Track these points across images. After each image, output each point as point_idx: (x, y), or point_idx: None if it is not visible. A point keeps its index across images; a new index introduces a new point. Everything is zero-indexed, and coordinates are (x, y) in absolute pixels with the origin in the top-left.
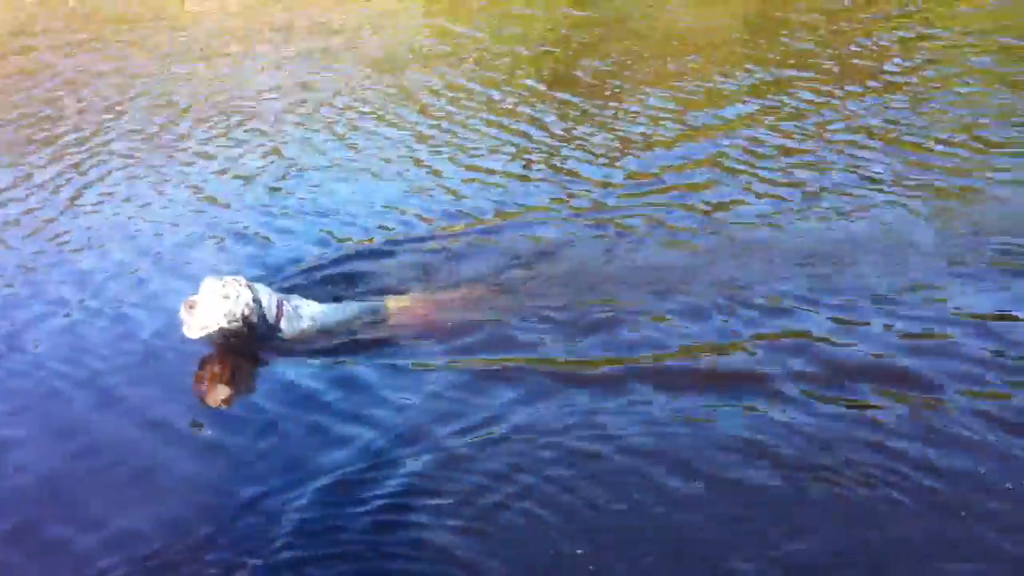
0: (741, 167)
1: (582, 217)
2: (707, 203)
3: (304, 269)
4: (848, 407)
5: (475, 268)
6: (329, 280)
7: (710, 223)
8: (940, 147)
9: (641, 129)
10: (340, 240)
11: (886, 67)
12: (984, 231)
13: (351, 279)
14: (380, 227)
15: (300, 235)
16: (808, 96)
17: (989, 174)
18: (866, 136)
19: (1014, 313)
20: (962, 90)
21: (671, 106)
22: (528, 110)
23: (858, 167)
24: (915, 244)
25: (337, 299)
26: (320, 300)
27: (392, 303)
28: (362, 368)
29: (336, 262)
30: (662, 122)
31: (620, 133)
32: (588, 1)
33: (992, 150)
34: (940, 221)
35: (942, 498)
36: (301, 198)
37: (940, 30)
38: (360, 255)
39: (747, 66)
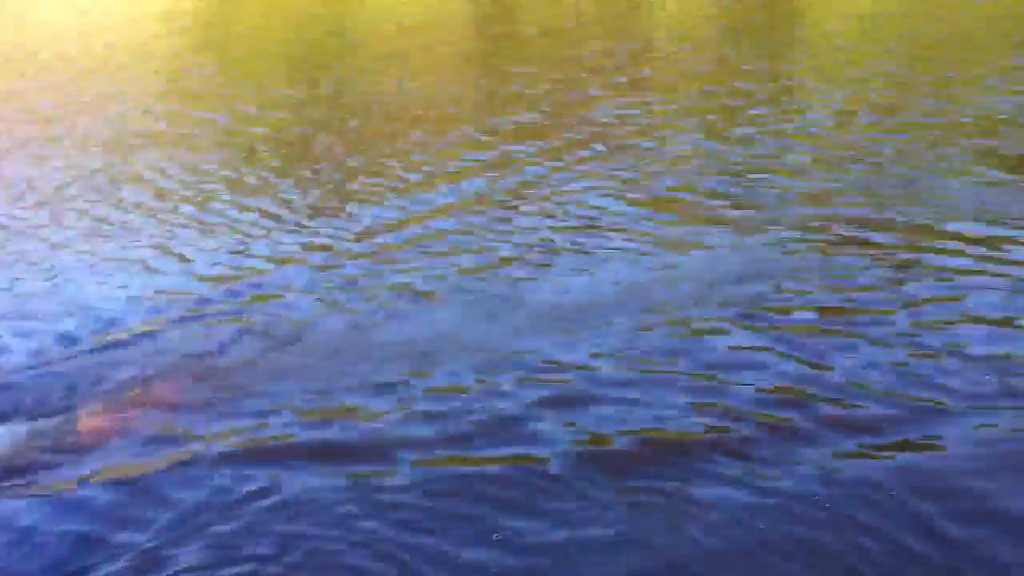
0: (490, 231)
1: (316, 294)
2: (455, 266)
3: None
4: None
5: (189, 356)
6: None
7: (454, 285)
8: (666, 199)
9: (390, 204)
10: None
11: (609, 122)
12: (713, 280)
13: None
14: (105, 323)
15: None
16: (537, 158)
17: (713, 227)
18: (598, 194)
19: (742, 361)
20: (683, 137)
21: (412, 177)
22: (265, 190)
23: (593, 223)
24: (651, 297)
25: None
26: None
27: (85, 413)
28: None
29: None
30: (406, 194)
31: (365, 207)
32: (319, 81)
33: (715, 201)
34: (674, 272)
35: None
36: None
37: (657, 95)
38: (80, 356)
39: (478, 137)
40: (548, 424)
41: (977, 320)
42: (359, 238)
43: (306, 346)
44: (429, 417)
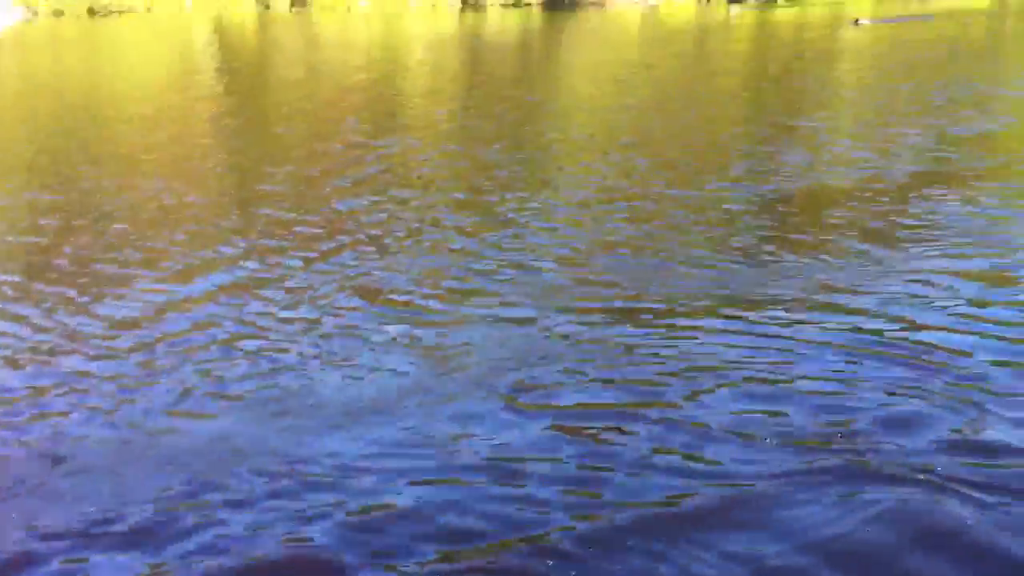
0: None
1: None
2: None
3: None
4: None
5: None
6: None
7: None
8: (419, 300)
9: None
10: None
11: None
12: (486, 365)
13: None
14: None
15: None
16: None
17: (478, 315)
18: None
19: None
20: (426, 240)
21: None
22: None
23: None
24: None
25: None
26: None
27: None
28: None
29: None
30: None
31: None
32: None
33: (465, 299)
34: (447, 361)
35: None
36: None
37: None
38: None
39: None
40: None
41: (728, 384)
42: (111, 332)
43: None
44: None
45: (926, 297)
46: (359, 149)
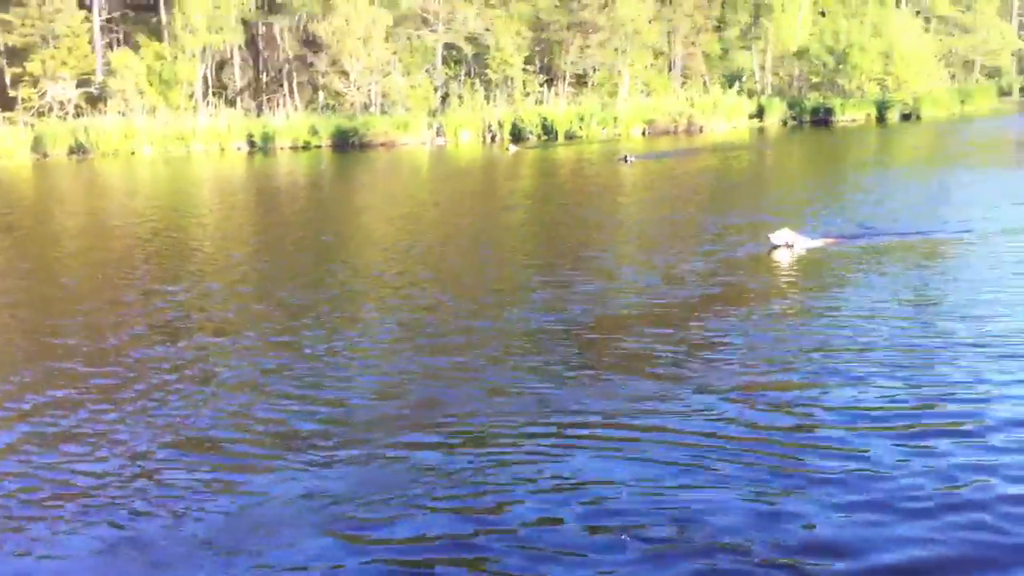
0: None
1: None
2: None
3: None
4: None
5: None
6: None
7: None
8: (230, 445)
9: None
10: None
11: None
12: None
13: None
14: None
15: None
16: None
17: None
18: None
19: None
20: (229, 384)
21: None
22: None
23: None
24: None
25: None
26: None
27: None
28: None
29: None
30: None
31: None
32: None
33: (281, 440)
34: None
35: None
36: None
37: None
38: None
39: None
40: None
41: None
42: None
43: None
44: None
45: (713, 410)
46: (152, 296)
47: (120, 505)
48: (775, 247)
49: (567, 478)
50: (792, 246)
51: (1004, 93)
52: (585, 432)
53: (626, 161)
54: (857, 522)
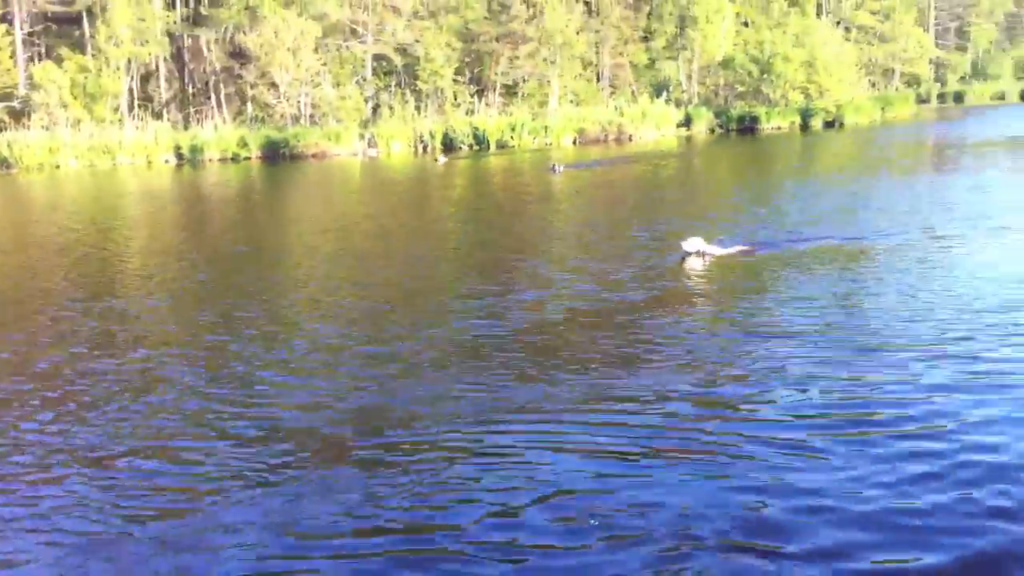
0: None
1: None
2: None
3: None
4: None
5: None
6: None
7: None
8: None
9: None
10: None
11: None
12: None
13: None
14: None
15: None
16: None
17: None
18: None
19: None
20: (153, 400)
21: None
22: None
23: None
24: None
25: None
26: None
27: None
28: None
29: None
30: None
31: None
32: None
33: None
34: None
35: None
36: None
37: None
38: None
39: None
40: None
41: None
42: None
43: None
44: None
45: (655, 407)
46: (77, 311)
47: (61, 515)
48: (687, 255)
49: (520, 477)
50: (704, 254)
51: (922, 100)
52: (533, 431)
53: (554, 170)
54: (801, 507)
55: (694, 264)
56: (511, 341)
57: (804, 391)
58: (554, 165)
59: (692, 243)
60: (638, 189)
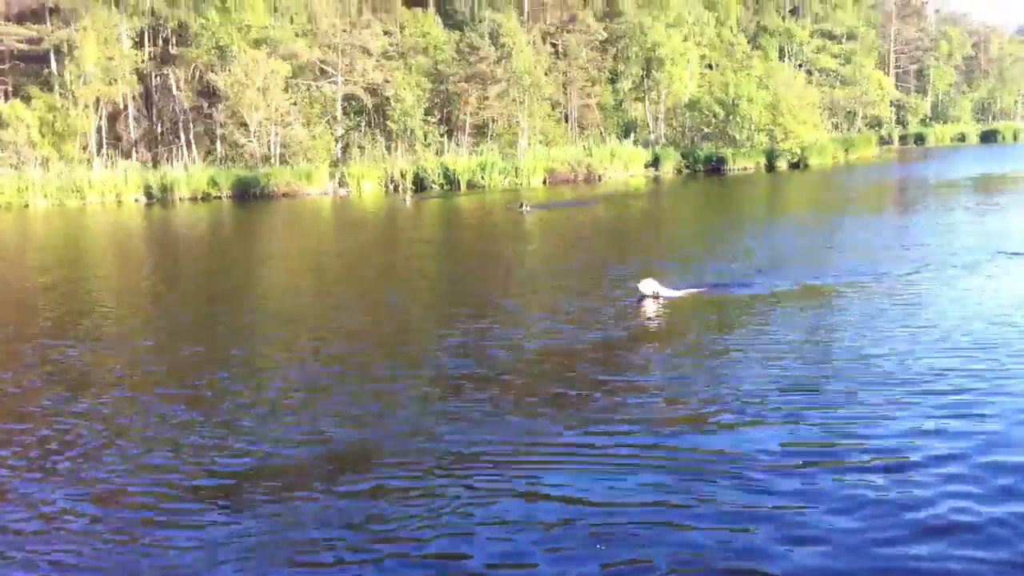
0: None
1: None
2: None
3: None
4: None
5: None
6: None
7: None
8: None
9: None
10: None
11: None
12: None
13: None
14: None
15: None
16: None
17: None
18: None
19: None
20: (133, 440)
21: None
22: None
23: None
24: None
25: None
26: None
27: None
28: None
29: None
30: None
31: None
32: None
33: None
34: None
35: None
36: None
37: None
38: None
39: None
40: None
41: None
42: None
43: None
44: None
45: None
46: (47, 351)
47: (31, 556)
48: (643, 296)
49: (504, 507)
50: (658, 296)
51: (884, 141)
52: (512, 462)
53: (522, 209)
54: (788, 521)
55: (648, 305)
56: (484, 377)
57: (774, 428)
58: (522, 203)
59: (646, 285)
60: (598, 230)
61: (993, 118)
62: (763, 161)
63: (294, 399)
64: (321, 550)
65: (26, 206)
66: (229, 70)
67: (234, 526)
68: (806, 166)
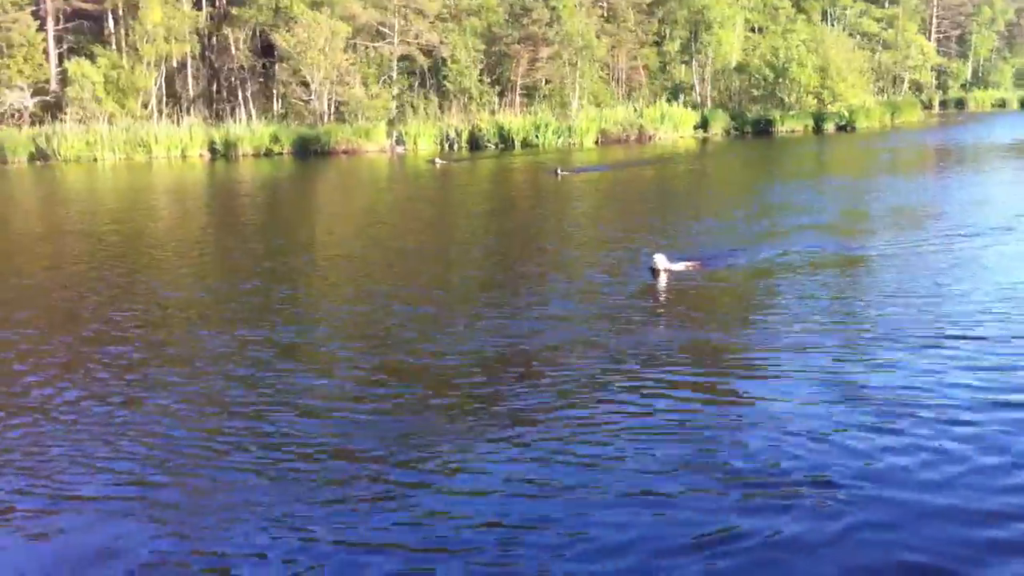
0: None
1: None
2: None
3: None
4: None
5: None
6: None
7: None
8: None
9: None
10: None
11: None
12: None
13: None
14: None
15: None
16: None
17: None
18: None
19: None
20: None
21: None
22: None
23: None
24: None
25: None
26: None
27: None
28: None
29: None
30: None
31: None
32: None
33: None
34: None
35: None
36: None
37: None
38: None
39: None
40: None
41: None
42: None
43: None
44: None
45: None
46: (104, 296)
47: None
48: (656, 270)
49: (525, 483)
50: (668, 270)
51: (925, 106)
52: (542, 439)
53: (557, 175)
54: (771, 506)
55: (663, 280)
56: (516, 358)
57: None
58: (557, 169)
59: (658, 259)
60: (638, 194)
61: None
62: (811, 124)
63: (326, 361)
64: (345, 522)
65: (95, 160)
66: (292, 31)
67: (256, 489)
68: (853, 129)
